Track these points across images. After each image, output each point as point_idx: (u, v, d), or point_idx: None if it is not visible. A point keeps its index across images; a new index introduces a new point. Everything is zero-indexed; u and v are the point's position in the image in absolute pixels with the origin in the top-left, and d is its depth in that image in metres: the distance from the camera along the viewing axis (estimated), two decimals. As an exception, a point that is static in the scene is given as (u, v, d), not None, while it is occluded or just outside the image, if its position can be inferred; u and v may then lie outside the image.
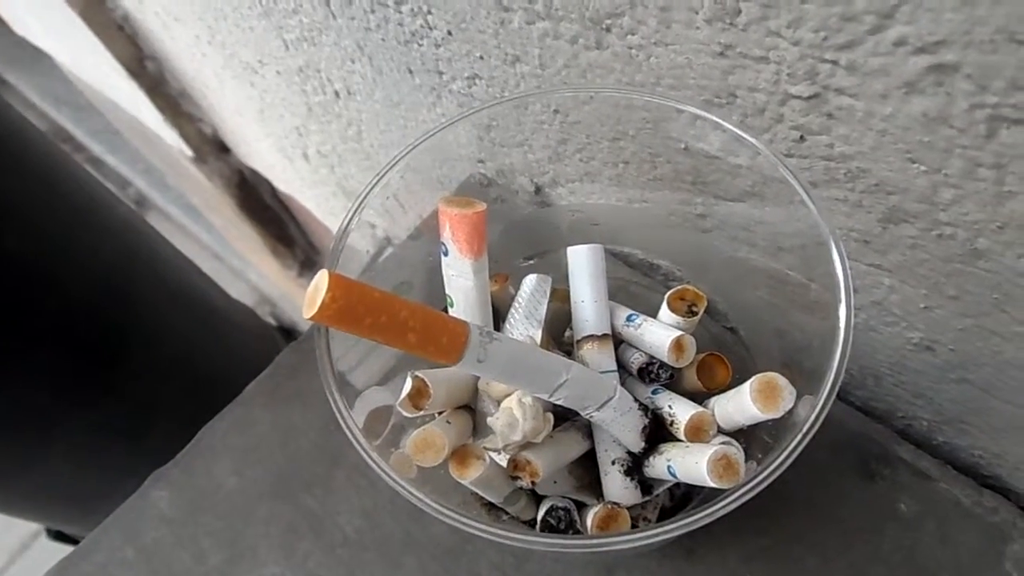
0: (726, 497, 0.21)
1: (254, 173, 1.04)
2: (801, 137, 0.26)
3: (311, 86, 0.57)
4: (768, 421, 0.24)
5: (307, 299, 0.19)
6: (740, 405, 0.24)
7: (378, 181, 0.28)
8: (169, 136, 0.97)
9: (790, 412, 0.23)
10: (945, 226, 0.24)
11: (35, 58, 1.30)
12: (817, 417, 0.21)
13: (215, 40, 0.64)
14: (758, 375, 0.24)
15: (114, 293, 0.61)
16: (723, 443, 0.25)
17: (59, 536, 0.78)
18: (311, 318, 0.18)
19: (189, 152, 0.97)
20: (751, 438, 0.26)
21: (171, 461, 0.39)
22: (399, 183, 0.29)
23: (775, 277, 0.28)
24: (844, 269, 0.22)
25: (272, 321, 1.18)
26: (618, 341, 0.29)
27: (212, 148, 0.98)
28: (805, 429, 0.21)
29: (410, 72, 0.42)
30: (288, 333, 1.08)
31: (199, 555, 0.36)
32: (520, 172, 0.41)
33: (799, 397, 0.23)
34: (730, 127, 0.25)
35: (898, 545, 0.31)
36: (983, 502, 0.31)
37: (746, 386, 0.24)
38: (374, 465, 0.22)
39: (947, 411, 0.32)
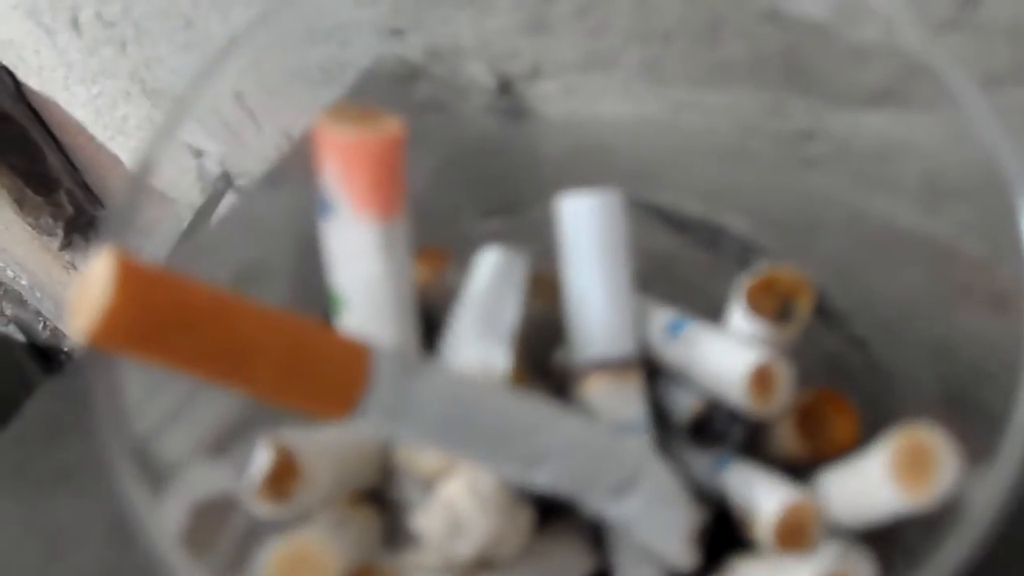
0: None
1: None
2: (974, -5, 0.27)
3: None
4: (917, 512, 0.25)
5: (77, 301, 0.19)
6: (867, 485, 0.25)
7: (208, 73, 0.28)
8: None
9: (955, 495, 0.24)
10: None
11: None
12: (998, 502, 0.22)
13: None
14: (899, 432, 0.25)
15: None
16: (839, 555, 0.26)
17: None
18: (85, 334, 0.19)
19: None
20: (891, 543, 0.27)
21: None
22: (247, 75, 0.29)
23: (933, 248, 0.29)
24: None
25: (16, 334, 1.18)
26: (653, 370, 0.30)
27: None
28: (981, 527, 0.22)
29: None
30: (46, 356, 1.08)
31: None
32: (471, 54, 0.42)
33: (973, 468, 0.24)
34: (847, -24, 0.25)
35: None
36: None
37: (878, 452, 0.25)
38: (203, 608, 0.23)
39: None
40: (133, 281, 0.18)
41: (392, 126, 0.26)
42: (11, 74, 1.03)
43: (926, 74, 0.25)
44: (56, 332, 1.51)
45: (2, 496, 0.40)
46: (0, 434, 0.42)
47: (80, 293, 0.19)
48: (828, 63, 0.29)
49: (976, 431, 0.24)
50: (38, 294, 1.55)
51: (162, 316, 0.19)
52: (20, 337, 1.17)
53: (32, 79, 0.93)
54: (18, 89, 1.09)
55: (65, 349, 1.43)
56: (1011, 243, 0.23)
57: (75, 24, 0.73)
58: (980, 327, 0.26)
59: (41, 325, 1.54)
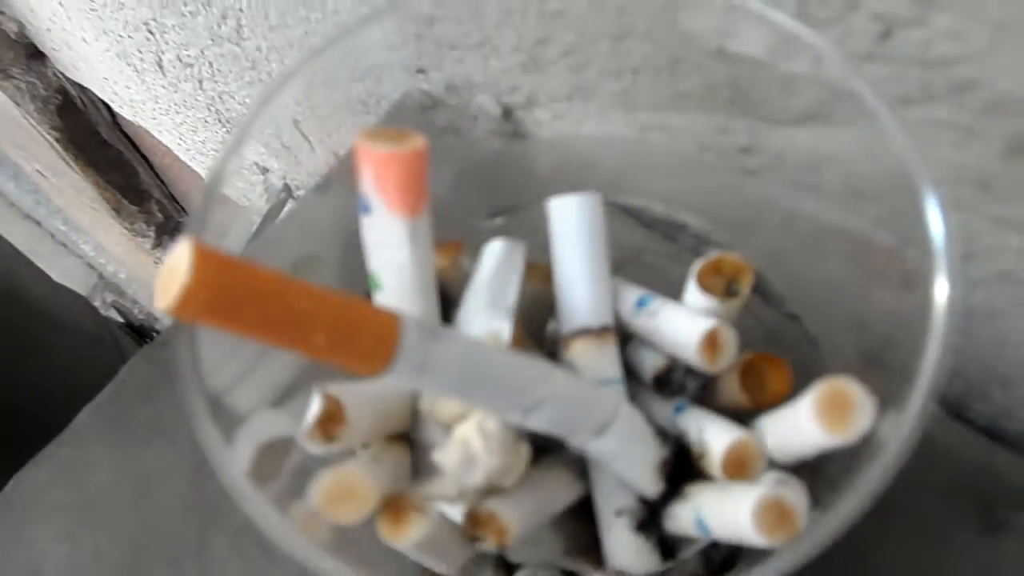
0: (780, 559, 0.22)
1: (84, 92, 1.03)
2: (885, 31, 0.26)
3: (165, -40, 0.56)
4: (838, 449, 0.25)
5: (161, 283, 0.19)
6: (798, 426, 0.25)
7: (268, 102, 0.28)
8: (-49, 37, 0.96)
9: (870, 435, 0.24)
10: (1093, 161, 0.25)
11: None
12: (906, 442, 0.21)
13: None
14: (822, 382, 0.25)
15: None
16: (776, 483, 0.26)
17: None
18: (168, 310, 0.19)
19: (-17, 61, 0.96)
20: (817, 474, 0.27)
21: (-33, 526, 0.39)
22: (301, 106, 0.29)
23: (852, 239, 0.29)
24: (945, 226, 0.23)
25: (115, 316, 1.18)
26: (625, 336, 0.30)
27: (18, 54, 0.97)
28: (890, 460, 0.22)
29: (313, -61, 0.43)
30: (140, 333, 1.08)
31: (13, 665, 0.36)
32: (480, 88, 0.42)
33: (883, 413, 0.24)
34: (780, 19, 0.25)
35: (1035, 625, 0.32)
36: None
37: (806, 399, 0.25)
38: (266, 526, 0.23)
39: (1106, 430, 0.33)
40: (207, 265, 0.18)
41: (417, 143, 0.26)
42: (108, 107, 1.03)
43: (847, 98, 0.25)
44: (149, 315, 1.51)
45: (102, 444, 0.40)
46: (100, 394, 0.42)
47: (165, 276, 0.19)
48: (765, 91, 0.29)
49: (886, 385, 0.24)
50: (134, 285, 1.55)
51: (231, 293, 0.19)
52: (118, 319, 1.17)
53: (125, 110, 0.93)
54: (114, 119, 1.09)
55: (156, 328, 1.43)
56: (916, 235, 0.23)
57: (160, 65, 0.73)
58: (890, 303, 0.26)
59: (136, 310, 1.54)
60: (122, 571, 0.37)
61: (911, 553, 0.33)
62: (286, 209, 0.64)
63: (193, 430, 0.24)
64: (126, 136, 1.13)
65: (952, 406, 0.37)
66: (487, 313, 0.29)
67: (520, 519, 0.26)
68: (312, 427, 0.26)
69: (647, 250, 0.38)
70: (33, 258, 0.95)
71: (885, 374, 0.24)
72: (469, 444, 0.25)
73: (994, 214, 0.29)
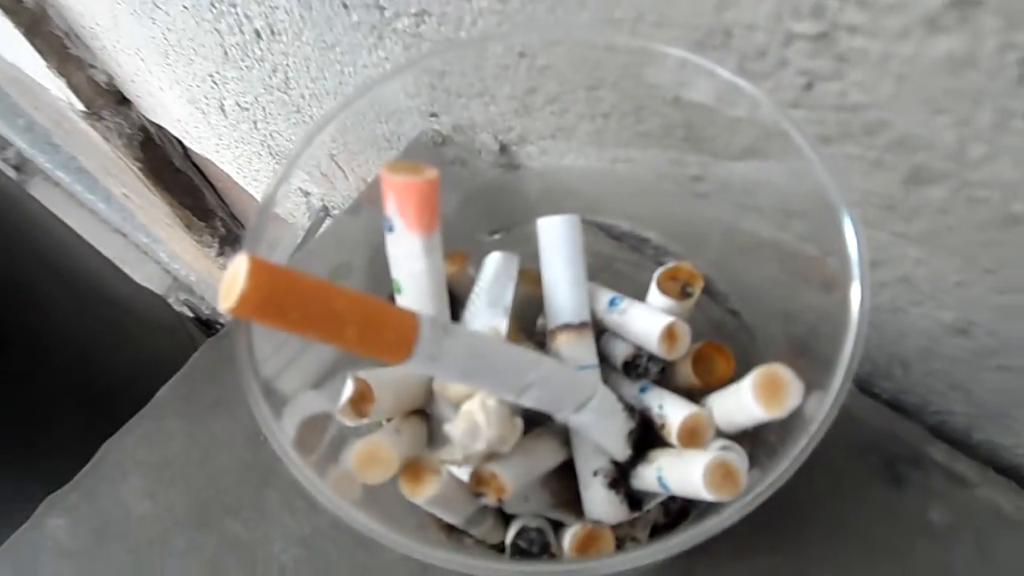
0: (726, 511, 0.21)
1: (161, 130, 1.03)
2: (809, 84, 0.26)
3: (226, 24, 0.56)
4: (773, 421, 0.25)
5: (223, 288, 0.19)
6: (740, 403, 0.25)
7: (310, 141, 0.28)
8: (55, 86, 0.95)
9: (798, 410, 0.24)
10: (977, 187, 0.25)
11: None
12: (827, 415, 0.21)
13: (106, -32, 0.63)
14: (760, 368, 0.25)
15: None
16: (722, 448, 0.26)
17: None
18: (229, 310, 0.19)
19: (80, 106, 0.96)
20: (756, 441, 0.27)
21: (69, 483, 0.39)
22: (336, 143, 0.29)
23: (783, 250, 0.29)
24: (858, 239, 0.23)
25: (187, 311, 1.17)
26: (600, 330, 0.30)
27: (108, 100, 0.97)
28: (814, 429, 0.22)
29: (345, 7, 0.42)
30: (207, 326, 1.08)
31: (104, 596, 0.36)
32: (481, 128, 0.42)
33: (809, 392, 0.24)
34: (725, 73, 0.25)
35: (930, 561, 0.32)
36: (1028, 508, 0.32)
37: (747, 381, 0.25)
38: (310, 485, 0.23)
39: (987, 404, 0.33)
40: (260, 274, 0.18)
41: (430, 174, 0.26)
42: (180, 142, 1.02)
43: (778, 136, 0.24)
44: (213, 311, 1.51)
45: (176, 417, 0.40)
46: (175, 376, 0.42)
47: (227, 282, 0.18)
48: (712, 131, 0.29)
49: (811, 369, 0.24)
50: (201, 286, 1.54)
51: (279, 296, 0.19)
52: (189, 314, 1.17)
53: (195, 145, 0.93)
54: (185, 152, 1.09)
55: (219, 321, 1.43)
56: (835, 247, 0.23)
57: (222, 109, 0.72)
58: (814, 302, 0.26)
59: (203, 307, 1.54)
60: (192, 520, 0.37)
61: (830, 502, 0.33)
62: (324, 226, 0.64)
63: (250, 407, 0.23)
64: (195, 166, 1.12)
65: (862, 383, 0.37)
66: (488, 312, 0.29)
67: (515, 478, 0.26)
68: (346, 405, 0.26)
69: (617, 260, 0.38)
70: (120, 265, 0.95)
71: (810, 360, 0.24)
72: (474, 418, 0.25)
73: (896, 230, 0.29)
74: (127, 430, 0.40)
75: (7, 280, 0.63)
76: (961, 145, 0.24)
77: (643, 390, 0.29)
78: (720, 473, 0.24)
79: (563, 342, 0.29)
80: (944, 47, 0.22)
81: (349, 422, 0.26)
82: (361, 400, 0.26)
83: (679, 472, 0.25)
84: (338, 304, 0.20)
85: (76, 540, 0.37)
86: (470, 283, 0.30)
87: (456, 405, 0.27)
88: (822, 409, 0.22)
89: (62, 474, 0.39)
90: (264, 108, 0.65)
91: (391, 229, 0.27)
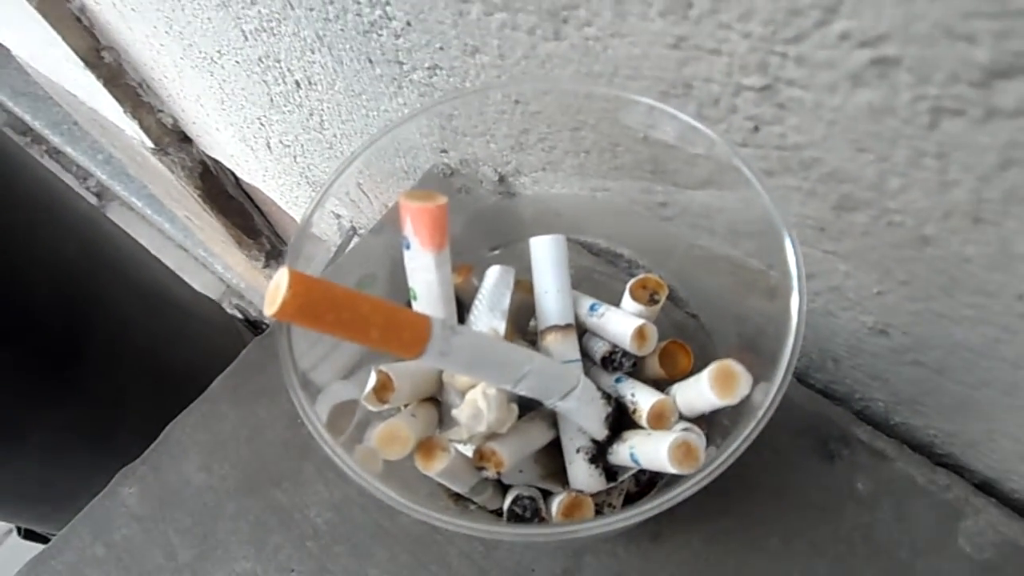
0: (687, 482, 0.21)
1: (217, 164, 1.03)
2: (755, 127, 0.26)
3: (271, 76, 0.56)
4: (726, 407, 0.25)
5: (268, 297, 0.19)
6: (699, 392, 0.25)
7: (341, 172, 0.28)
8: (129, 127, 0.95)
9: (747, 398, 0.24)
10: (894, 213, 0.25)
11: (-11, 50, 1.27)
12: (772, 402, 0.21)
13: (173, 30, 0.63)
14: (715, 363, 0.25)
15: (77, 290, 0.61)
16: (684, 430, 0.26)
17: (30, 535, 0.78)
18: (272, 315, 0.18)
19: (150, 143, 0.96)
20: (712, 424, 0.27)
21: (139, 458, 0.39)
22: (362, 174, 0.29)
23: (734, 264, 0.29)
24: (796, 256, 0.23)
25: (238, 314, 1.17)
26: (582, 331, 0.30)
27: (173, 139, 0.97)
28: (761, 414, 0.22)
29: (370, 62, 0.42)
30: (255, 326, 1.08)
31: (169, 552, 0.36)
32: (483, 162, 0.42)
33: (756, 382, 0.24)
34: (685, 118, 0.25)
35: (857, 524, 0.32)
36: (937, 480, 0.32)
37: (704, 373, 0.25)
38: (339, 461, 0.22)
39: (902, 392, 0.33)
40: (299, 284, 0.18)
41: (441, 200, 0.26)
42: (233, 174, 1.02)
43: (731, 170, 0.24)
44: (260, 314, 1.51)
45: (229, 403, 0.40)
46: (228, 368, 0.42)
47: (271, 291, 0.18)
48: (676, 165, 0.29)
49: (759, 364, 0.24)
50: (250, 292, 1.54)
51: (315, 303, 0.19)
52: (239, 316, 1.17)
53: (245, 175, 0.93)
54: (237, 182, 1.09)
55: (265, 322, 1.42)
56: (777, 261, 0.23)
57: (268, 146, 0.72)
58: (760, 307, 0.26)
59: (251, 310, 1.53)
60: (242, 489, 0.37)
61: (774, 474, 0.33)
62: (352, 243, 0.63)
63: (289, 394, 0.23)
64: (245, 193, 1.12)
65: (799, 375, 0.37)
66: (488, 315, 0.29)
67: (512, 455, 0.26)
68: (370, 393, 0.26)
69: (596, 271, 0.38)
70: (182, 274, 0.95)
71: (758, 356, 0.24)
72: (477, 404, 0.25)
73: (827, 248, 0.29)
74: (187, 414, 0.40)
75: (90, 289, 0.63)
76: (881, 178, 0.24)
77: (618, 381, 0.29)
78: (682, 451, 0.24)
79: (551, 340, 0.28)
80: (866, 98, 0.22)
81: (372, 407, 0.26)
82: (383, 389, 0.26)
83: (648, 449, 0.25)
84: (364, 309, 0.20)
85: (144, 506, 0.37)
86: (474, 291, 0.30)
87: (462, 393, 0.27)
88: (768, 397, 0.22)
89: (134, 452, 0.39)
90: (303, 145, 0.65)
91: (408, 246, 0.27)
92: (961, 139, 0.21)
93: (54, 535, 0.38)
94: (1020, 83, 0.18)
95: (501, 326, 0.28)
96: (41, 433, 0.59)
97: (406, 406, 0.28)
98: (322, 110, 0.55)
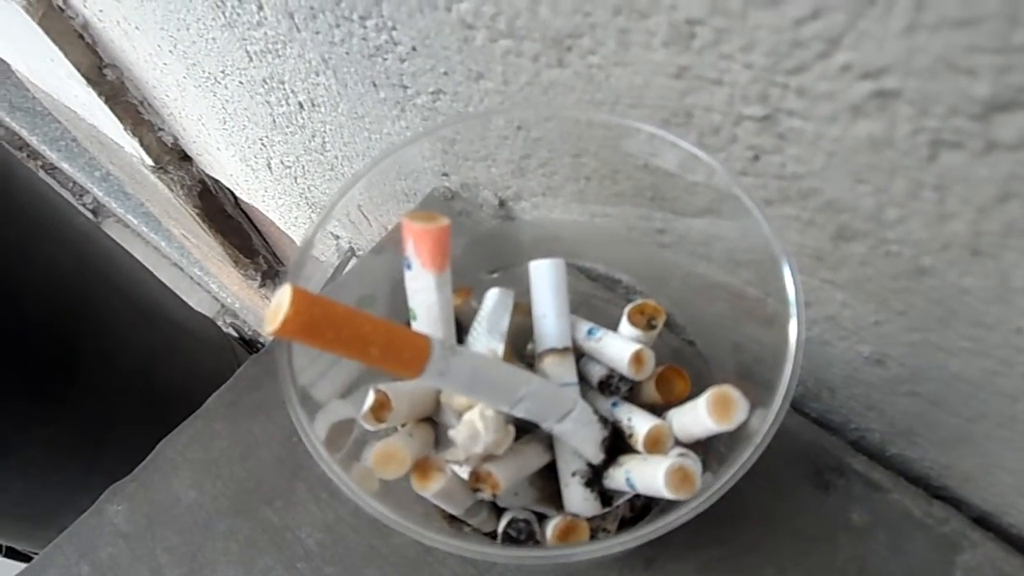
0: (683, 508, 0.21)
1: (216, 183, 1.03)
2: (755, 156, 0.27)
3: (275, 97, 0.56)
4: (723, 433, 0.25)
5: (269, 314, 0.19)
6: (696, 417, 0.25)
7: (344, 194, 0.28)
8: (129, 145, 0.96)
9: (744, 424, 0.24)
10: (892, 244, 0.25)
11: (-11, 64, 1.27)
12: (770, 429, 0.21)
13: (177, 50, 0.63)
14: (713, 388, 0.25)
15: (70, 305, 0.61)
16: (680, 455, 0.26)
17: (11, 553, 0.77)
18: (273, 333, 0.19)
19: (149, 161, 0.96)
20: (708, 450, 0.27)
21: (128, 475, 0.39)
22: (363, 196, 0.29)
23: (732, 291, 0.29)
24: (795, 284, 0.23)
25: (233, 332, 1.17)
26: (579, 354, 0.30)
27: (173, 157, 0.97)
28: (758, 441, 0.22)
29: (374, 86, 0.43)
30: (249, 345, 1.07)
31: (156, 571, 0.35)
32: (484, 186, 0.42)
33: (753, 409, 0.24)
34: (686, 146, 0.26)
35: (851, 555, 0.32)
36: (933, 512, 0.32)
37: (701, 399, 0.25)
38: (336, 479, 0.22)
39: (898, 423, 0.33)
40: (301, 302, 0.18)
41: (442, 222, 0.26)
42: (232, 193, 1.03)
43: (730, 199, 0.25)
44: (255, 332, 1.50)
45: (223, 420, 0.40)
46: (223, 385, 0.42)
47: (272, 310, 0.18)
48: (675, 192, 0.29)
49: (755, 391, 0.24)
50: (245, 311, 1.54)
51: (316, 321, 0.19)
52: (234, 334, 1.17)
53: (244, 195, 0.93)
54: (236, 201, 1.09)
55: (260, 341, 1.42)
56: (775, 289, 0.23)
57: (269, 166, 0.73)
58: (758, 335, 0.26)
59: (246, 328, 1.53)
60: (234, 507, 0.37)
61: (768, 502, 0.33)
62: (350, 264, 0.63)
63: (286, 412, 0.23)
64: (244, 212, 1.12)
65: (795, 403, 0.37)
66: (487, 337, 0.29)
67: (507, 477, 0.26)
68: (368, 412, 0.26)
69: (594, 296, 0.38)
70: (178, 292, 0.95)
71: (754, 383, 0.24)
72: (474, 425, 0.25)
73: (825, 277, 0.29)
74: (180, 431, 0.40)
75: (84, 304, 0.62)
76: (879, 209, 0.24)
77: (615, 405, 0.29)
78: (679, 476, 0.24)
79: (549, 363, 0.28)
80: (866, 129, 0.22)
81: (370, 426, 0.26)
82: (380, 408, 0.26)
83: (644, 474, 0.25)
84: (365, 328, 0.20)
85: (132, 524, 0.37)
86: (473, 313, 0.30)
87: (459, 414, 0.27)
88: (765, 424, 0.22)
89: (123, 468, 0.39)
90: (304, 167, 0.66)
91: (409, 267, 0.27)
92: (960, 172, 0.21)
93: (36, 554, 0.37)
94: (1020, 117, 0.19)
95: (499, 348, 0.28)
96: (27, 449, 0.59)
97: (403, 426, 0.28)
98: (324, 132, 0.55)
